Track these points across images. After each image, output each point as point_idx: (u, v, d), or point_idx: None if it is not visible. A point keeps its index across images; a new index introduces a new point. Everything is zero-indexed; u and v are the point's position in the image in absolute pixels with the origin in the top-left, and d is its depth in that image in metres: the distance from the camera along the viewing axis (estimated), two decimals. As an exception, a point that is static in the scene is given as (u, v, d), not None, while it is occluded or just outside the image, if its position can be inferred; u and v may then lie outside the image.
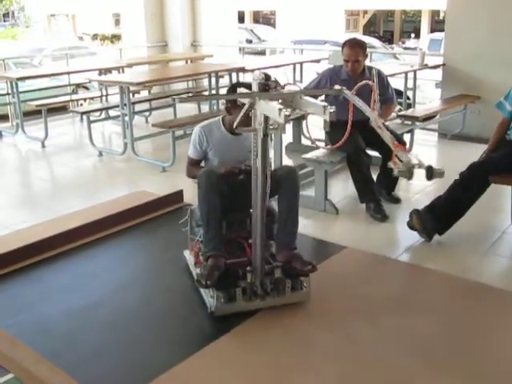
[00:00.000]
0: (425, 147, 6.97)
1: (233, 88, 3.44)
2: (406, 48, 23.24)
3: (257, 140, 3.01)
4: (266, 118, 2.87)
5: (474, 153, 4.44)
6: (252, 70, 7.66)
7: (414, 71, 7.60)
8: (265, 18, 33.51)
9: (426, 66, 7.49)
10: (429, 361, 2.83)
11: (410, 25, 33.56)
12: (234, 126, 3.12)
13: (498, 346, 2.97)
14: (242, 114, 2.99)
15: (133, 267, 3.91)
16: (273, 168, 3.59)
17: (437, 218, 4.09)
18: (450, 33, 7.28)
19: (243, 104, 3.16)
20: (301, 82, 8.19)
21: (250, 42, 18.44)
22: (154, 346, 3.00)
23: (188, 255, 3.72)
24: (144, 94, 8.63)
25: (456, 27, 7.10)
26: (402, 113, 5.82)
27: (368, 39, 14.93)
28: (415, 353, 2.89)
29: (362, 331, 3.06)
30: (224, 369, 2.79)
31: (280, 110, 2.60)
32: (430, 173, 2.63)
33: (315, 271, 3.27)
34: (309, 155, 4.82)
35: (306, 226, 4.51)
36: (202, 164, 3.67)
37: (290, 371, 2.76)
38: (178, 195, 4.81)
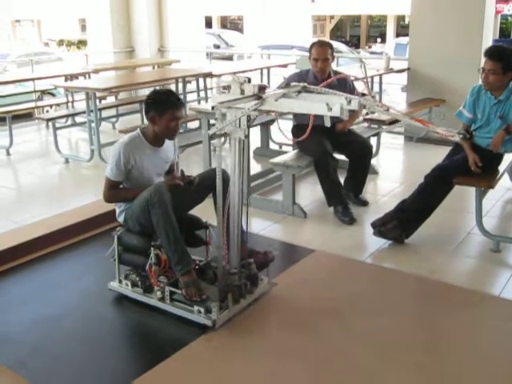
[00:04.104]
0: (391, 150, 7.05)
1: (152, 96, 3.40)
2: (372, 52, 23.50)
3: (234, 143, 3.05)
4: (249, 120, 2.92)
5: (439, 155, 4.51)
6: (219, 75, 7.69)
7: (380, 75, 7.69)
8: (232, 24, 33.54)
9: (391, 70, 7.58)
10: (399, 360, 2.86)
11: (376, 30, 33.95)
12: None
13: (465, 344, 3.02)
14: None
15: (99, 275, 3.85)
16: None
17: (398, 224, 4.16)
18: (414, 37, 7.40)
19: (172, 114, 3.26)
20: (268, 86, 8.20)
21: (217, 47, 18.43)
22: (120, 354, 2.97)
23: (117, 285, 3.47)
24: (111, 100, 8.56)
25: (420, 32, 7.22)
26: (369, 116, 5.88)
27: (335, 44, 15.04)
28: (385, 353, 2.91)
29: (331, 333, 3.08)
30: (194, 374, 2.77)
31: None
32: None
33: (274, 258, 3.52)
34: (276, 160, 4.84)
35: (275, 229, 4.53)
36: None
37: (262, 374, 2.76)
38: (145, 201, 4.76)
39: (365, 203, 4.99)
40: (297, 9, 26.23)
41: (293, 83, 3.13)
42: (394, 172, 6.25)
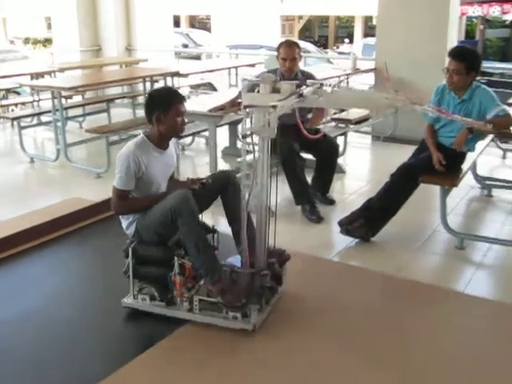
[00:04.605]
0: (358, 149, 7.11)
1: (153, 96, 3.33)
2: (340, 53, 23.66)
3: (262, 143, 3.01)
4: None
5: (406, 154, 4.56)
6: (186, 75, 7.67)
7: (347, 75, 7.75)
8: (201, 23, 33.42)
9: (358, 70, 7.65)
10: (365, 358, 2.89)
11: (343, 30, 34.14)
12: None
13: (430, 341, 3.06)
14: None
15: (66, 276, 3.82)
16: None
17: (365, 222, 4.21)
18: (381, 38, 7.49)
19: (177, 109, 3.18)
20: (236, 86, 8.22)
21: (185, 46, 18.32)
22: (87, 356, 2.94)
23: (133, 301, 3.24)
24: (78, 99, 8.47)
25: (387, 33, 7.31)
26: (336, 116, 5.93)
27: (303, 44, 15.15)
28: (352, 350, 2.95)
29: (298, 331, 3.09)
30: (156, 378, 2.77)
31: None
32: None
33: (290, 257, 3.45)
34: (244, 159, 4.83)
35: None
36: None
37: (228, 376, 2.76)
38: (112, 201, 4.73)
39: (332, 202, 5.04)
40: (265, 8, 26.24)
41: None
42: (361, 171, 6.30)
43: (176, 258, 3.10)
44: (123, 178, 3.15)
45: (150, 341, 3.00)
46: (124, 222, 3.32)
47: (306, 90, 2.94)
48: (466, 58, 4.04)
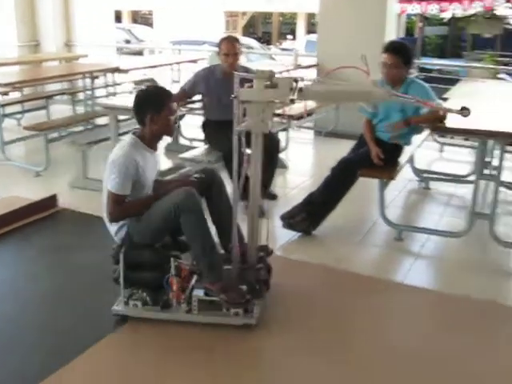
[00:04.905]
0: (301, 144, 7.17)
1: (144, 96, 3.20)
2: (283, 49, 23.82)
3: (256, 139, 3.01)
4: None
5: (347, 149, 4.62)
6: (127, 71, 7.58)
7: (288, 71, 7.80)
8: (143, 18, 33.07)
9: (299, 66, 7.72)
10: (307, 350, 2.93)
11: (287, 27, 34.38)
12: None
13: (372, 330, 3.13)
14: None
15: (8, 274, 3.74)
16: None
17: (306, 216, 4.26)
18: (322, 34, 7.60)
19: (169, 108, 3.12)
20: (178, 82, 8.16)
21: (128, 42, 18.11)
22: (30, 353, 2.89)
23: (124, 308, 3.10)
24: (16, 95, 8.24)
25: (327, 29, 7.43)
26: (278, 111, 5.93)
27: (246, 40, 15.23)
28: (293, 343, 2.98)
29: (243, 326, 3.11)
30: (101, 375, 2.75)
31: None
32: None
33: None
34: (186, 155, 4.83)
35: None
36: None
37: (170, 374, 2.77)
38: (51, 200, 4.66)
39: (274, 197, 5.06)
40: (209, 4, 26.17)
41: None
42: (303, 166, 6.37)
43: (172, 259, 3.02)
44: (120, 182, 3.01)
45: (93, 338, 2.95)
46: (113, 227, 3.15)
47: (304, 85, 2.97)
48: (401, 52, 4.15)
